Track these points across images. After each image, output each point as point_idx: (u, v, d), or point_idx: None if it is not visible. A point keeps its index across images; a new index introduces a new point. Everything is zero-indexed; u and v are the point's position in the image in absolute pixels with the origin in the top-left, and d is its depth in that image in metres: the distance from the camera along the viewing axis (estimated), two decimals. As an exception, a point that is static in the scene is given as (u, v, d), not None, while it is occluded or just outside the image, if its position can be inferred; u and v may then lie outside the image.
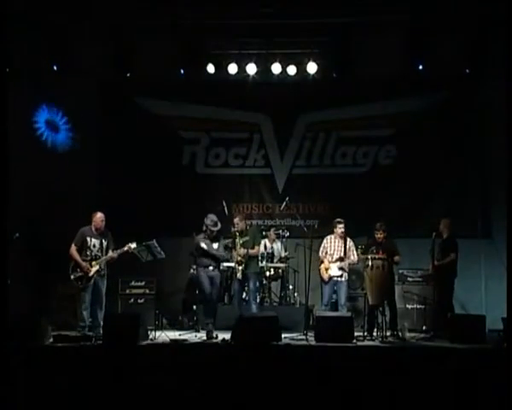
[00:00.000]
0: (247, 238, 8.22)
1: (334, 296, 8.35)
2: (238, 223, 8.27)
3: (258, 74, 9.36)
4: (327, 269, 8.14)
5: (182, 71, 9.27)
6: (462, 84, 9.74)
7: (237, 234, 8.17)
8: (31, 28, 8.55)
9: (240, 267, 8.11)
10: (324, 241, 8.32)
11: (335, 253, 8.20)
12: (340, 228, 8.21)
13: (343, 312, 8.03)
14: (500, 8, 7.25)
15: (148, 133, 10.06)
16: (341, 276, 8.16)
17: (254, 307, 8.20)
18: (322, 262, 8.21)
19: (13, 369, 5.56)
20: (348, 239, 8.27)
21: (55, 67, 9.01)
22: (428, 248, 8.25)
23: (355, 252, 8.23)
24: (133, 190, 9.86)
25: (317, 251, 8.30)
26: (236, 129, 10.31)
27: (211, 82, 9.66)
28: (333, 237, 8.29)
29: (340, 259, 8.15)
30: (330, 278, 8.14)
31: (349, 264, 8.20)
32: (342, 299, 8.16)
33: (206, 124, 10.28)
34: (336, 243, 8.26)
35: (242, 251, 8.11)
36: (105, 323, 7.34)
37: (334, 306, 8.33)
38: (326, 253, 8.21)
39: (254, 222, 10.03)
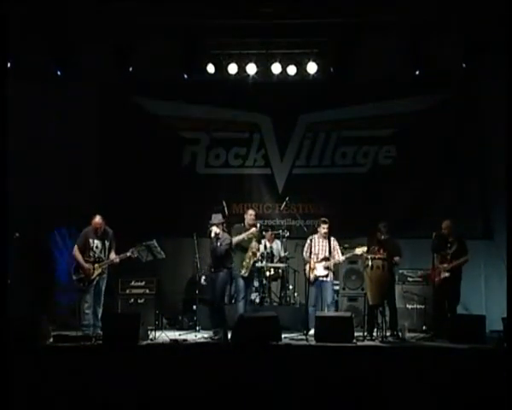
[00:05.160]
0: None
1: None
2: (252, 216, 8.32)
3: (258, 74, 9.34)
4: (312, 269, 8.14)
5: (182, 71, 9.27)
6: (461, 84, 9.74)
7: (255, 228, 8.23)
8: (31, 29, 8.54)
9: (250, 261, 8.11)
10: (308, 241, 8.29)
11: (320, 253, 8.22)
12: (323, 228, 8.26)
13: (330, 312, 8.04)
14: (500, 8, 7.26)
15: (148, 133, 10.07)
16: (327, 276, 8.18)
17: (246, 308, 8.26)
18: (307, 263, 8.16)
19: (13, 369, 5.56)
20: (332, 239, 8.30)
21: (55, 68, 9.01)
22: (433, 250, 8.25)
23: (339, 251, 8.28)
24: (133, 190, 9.87)
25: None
26: (236, 129, 10.32)
27: (211, 82, 9.66)
28: (316, 236, 8.31)
29: (326, 258, 8.17)
30: (316, 278, 8.15)
31: (334, 264, 8.24)
32: (328, 299, 8.17)
33: (206, 124, 10.29)
34: (321, 243, 8.28)
35: (256, 245, 8.15)
36: (105, 323, 7.36)
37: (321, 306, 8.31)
38: (311, 253, 8.17)
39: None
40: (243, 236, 8.17)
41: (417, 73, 9.06)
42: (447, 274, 8.14)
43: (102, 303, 7.94)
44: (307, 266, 8.15)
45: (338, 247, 8.32)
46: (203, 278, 8.70)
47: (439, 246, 8.26)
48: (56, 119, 9.60)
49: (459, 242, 8.24)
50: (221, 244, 7.82)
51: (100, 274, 7.83)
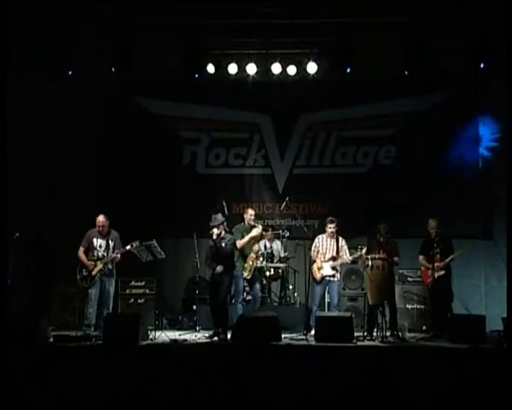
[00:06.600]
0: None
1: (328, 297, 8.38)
2: (252, 215, 8.27)
3: (258, 74, 9.35)
4: (319, 268, 8.14)
5: (182, 71, 9.27)
6: (461, 84, 9.74)
7: (258, 228, 8.20)
8: (30, 29, 8.54)
9: (253, 264, 8.07)
10: (316, 240, 8.31)
11: (328, 252, 8.22)
12: (330, 227, 8.23)
13: (330, 312, 8.03)
14: (500, 8, 7.26)
15: (148, 133, 10.07)
16: (333, 276, 8.18)
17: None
18: (314, 262, 8.18)
19: (13, 369, 5.56)
20: (340, 238, 8.30)
21: (55, 68, 9.00)
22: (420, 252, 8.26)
23: (347, 252, 8.26)
24: (133, 191, 9.87)
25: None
26: (236, 129, 10.32)
27: (211, 82, 9.66)
28: (324, 236, 8.30)
29: (333, 258, 8.17)
30: (323, 277, 8.15)
31: (341, 263, 8.23)
32: (335, 300, 8.17)
33: (206, 124, 10.29)
34: (328, 242, 8.27)
35: (259, 247, 8.21)
36: (105, 323, 7.36)
37: (326, 306, 8.30)
38: (318, 252, 8.19)
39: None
40: (247, 239, 8.11)
41: (417, 73, 9.06)
42: (442, 272, 8.13)
43: (111, 307, 7.99)
44: (314, 266, 8.13)
45: (346, 247, 8.30)
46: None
47: (426, 246, 8.27)
48: (56, 119, 9.59)
49: (445, 240, 8.24)
50: (226, 245, 7.80)
51: (101, 271, 7.85)
